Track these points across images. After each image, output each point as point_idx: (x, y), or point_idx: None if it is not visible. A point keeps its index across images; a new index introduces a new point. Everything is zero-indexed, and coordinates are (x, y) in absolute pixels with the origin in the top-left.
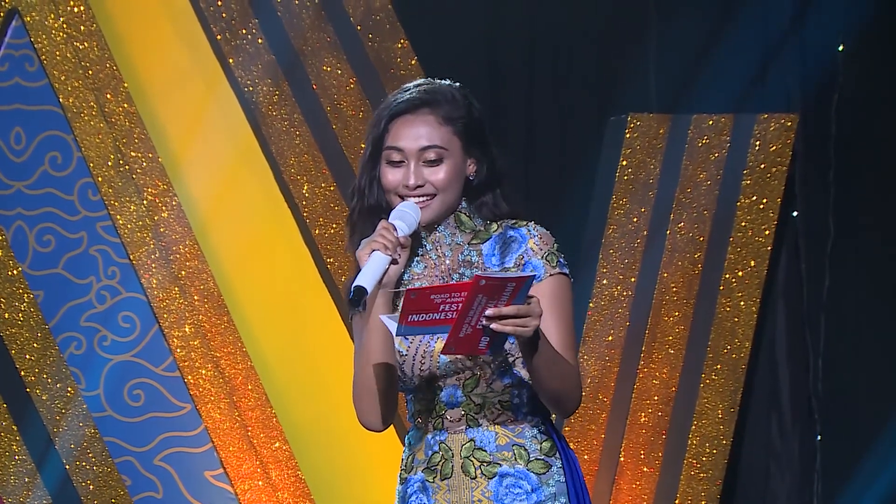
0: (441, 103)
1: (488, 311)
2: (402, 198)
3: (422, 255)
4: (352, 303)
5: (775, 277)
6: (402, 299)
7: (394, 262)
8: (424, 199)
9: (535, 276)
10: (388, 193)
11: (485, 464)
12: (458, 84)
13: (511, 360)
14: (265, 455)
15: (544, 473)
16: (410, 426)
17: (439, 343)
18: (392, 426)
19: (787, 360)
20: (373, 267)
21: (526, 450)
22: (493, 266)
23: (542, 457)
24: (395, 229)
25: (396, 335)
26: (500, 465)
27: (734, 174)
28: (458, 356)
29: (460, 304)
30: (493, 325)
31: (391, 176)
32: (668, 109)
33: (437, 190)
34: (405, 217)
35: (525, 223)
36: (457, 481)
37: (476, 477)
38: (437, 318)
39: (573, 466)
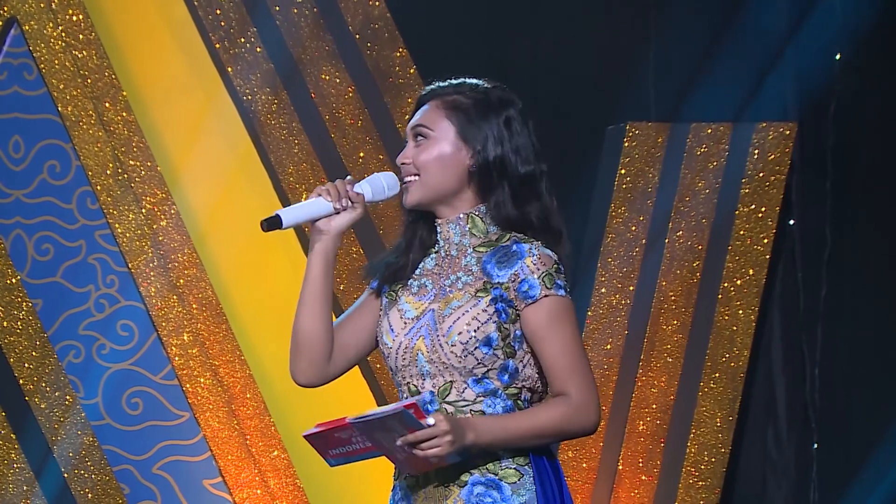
0: (443, 93)
1: (398, 442)
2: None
3: (435, 252)
4: (262, 225)
5: (773, 286)
6: (310, 443)
7: (337, 211)
8: (410, 178)
9: (403, 411)
10: None
11: (456, 471)
12: (494, 84)
13: (483, 371)
14: (264, 463)
15: (516, 482)
16: None
17: (420, 341)
18: None
19: (784, 369)
20: (306, 206)
21: (498, 458)
22: (494, 276)
23: (514, 466)
24: (352, 185)
25: (331, 466)
26: (472, 474)
27: (733, 183)
28: (445, 358)
29: (363, 436)
30: (416, 452)
31: None
32: (666, 118)
33: (417, 169)
34: (374, 181)
35: (531, 241)
36: (432, 489)
37: (448, 485)
38: (358, 447)
39: (545, 476)
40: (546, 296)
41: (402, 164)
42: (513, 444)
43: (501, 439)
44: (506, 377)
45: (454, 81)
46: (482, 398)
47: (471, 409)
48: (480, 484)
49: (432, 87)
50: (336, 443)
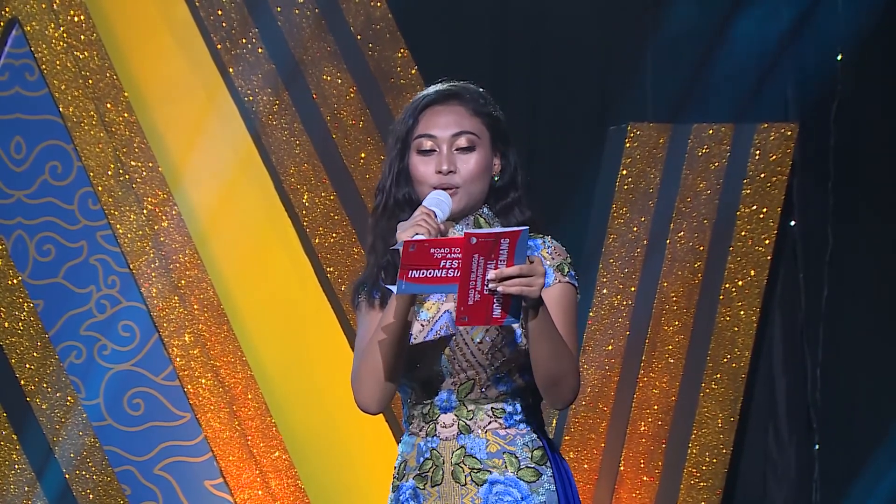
0: (468, 98)
1: (490, 274)
2: (434, 188)
3: None
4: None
5: (774, 287)
6: (401, 252)
7: None
8: (452, 189)
9: (527, 228)
10: (420, 185)
11: (475, 471)
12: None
13: (508, 368)
14: (265, 464)
15: (534, 482)
16: (405, 432)
17: (441, 342)
18: (391, 435)
19: (785, 370)
20: None
21: (517, 457)
22: None
23: (533, 465)
24: (436, 215)
25: (397, 292)
26: (491, 473)
27: (734, 183)
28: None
29: (460, 261)
30: (499, 288)
31: (423, 166)
32: (668, 119)
33: (464, 181)
34: (441, 205)
35: (542, 236)
36: (447, 488)
37: (466, 484)
38: (439, 275)
39: (564, 476)
40: (559, 282)
41: (450, 171)
42: (548, 341)
43: (549, 327)
44: (527, 375)
45: (455, 83)
46: (504, 396)
47: (492, 407)
48: (500, 483)
49: (438, 89)
50: (426, 262)
